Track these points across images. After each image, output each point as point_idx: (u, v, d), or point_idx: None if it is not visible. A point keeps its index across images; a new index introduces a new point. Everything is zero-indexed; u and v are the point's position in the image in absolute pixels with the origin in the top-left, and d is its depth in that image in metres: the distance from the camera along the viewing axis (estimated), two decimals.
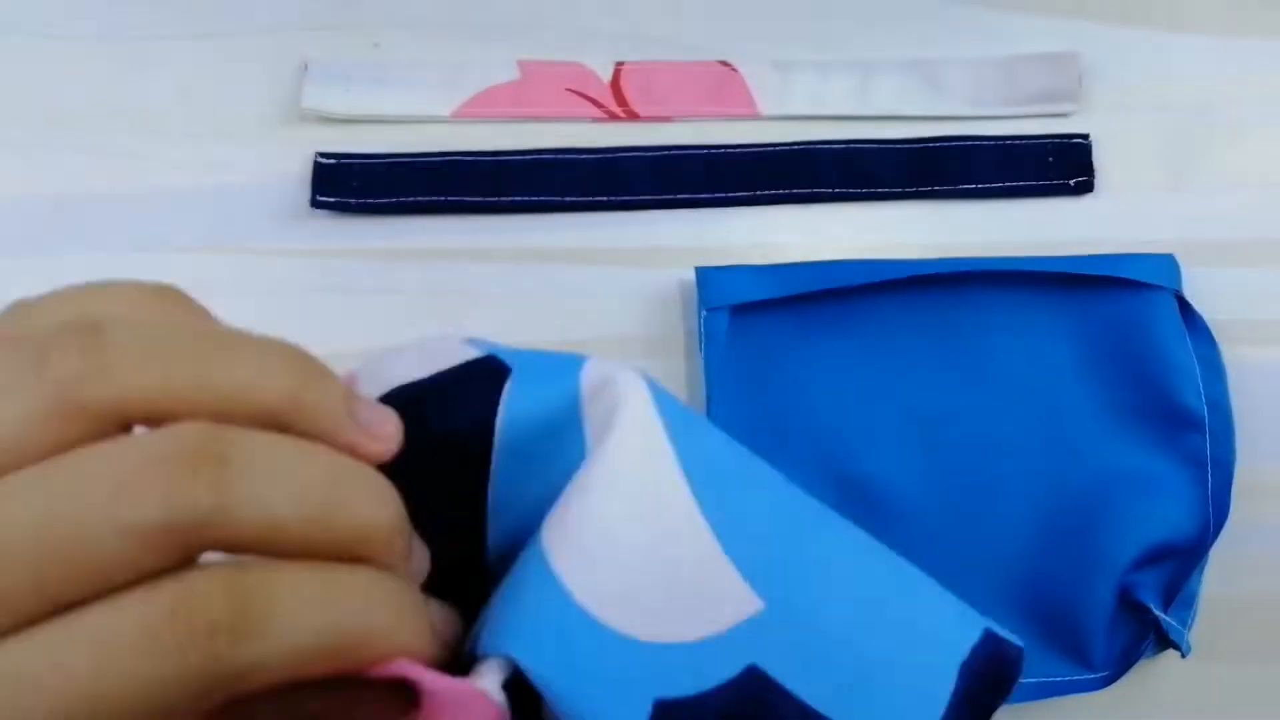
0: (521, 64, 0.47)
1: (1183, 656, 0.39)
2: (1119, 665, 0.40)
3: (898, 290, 0.43)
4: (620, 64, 0.47)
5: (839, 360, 0.43)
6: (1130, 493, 0.42)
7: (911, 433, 0.43)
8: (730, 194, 0.46)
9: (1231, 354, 0.43)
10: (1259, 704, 0.42)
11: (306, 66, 0.46)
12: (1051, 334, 0.43)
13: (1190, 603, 0.41)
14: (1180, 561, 0.41)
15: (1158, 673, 0.42)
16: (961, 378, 0.43)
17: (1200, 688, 0.42)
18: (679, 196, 0.46)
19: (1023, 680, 0.40)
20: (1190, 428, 0.42)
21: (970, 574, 0.42)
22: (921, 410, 0.43)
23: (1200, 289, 0.44)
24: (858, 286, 0.43)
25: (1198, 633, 0.41)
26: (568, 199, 0.45)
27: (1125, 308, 0.43)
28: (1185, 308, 0.43)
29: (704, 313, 0.42)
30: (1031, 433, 0.43)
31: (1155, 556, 0.41)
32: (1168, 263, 0.43)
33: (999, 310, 0.44)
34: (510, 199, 0.45)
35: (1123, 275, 0.43)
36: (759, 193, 0.46)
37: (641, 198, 0.46)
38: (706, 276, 0.43)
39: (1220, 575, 0.42)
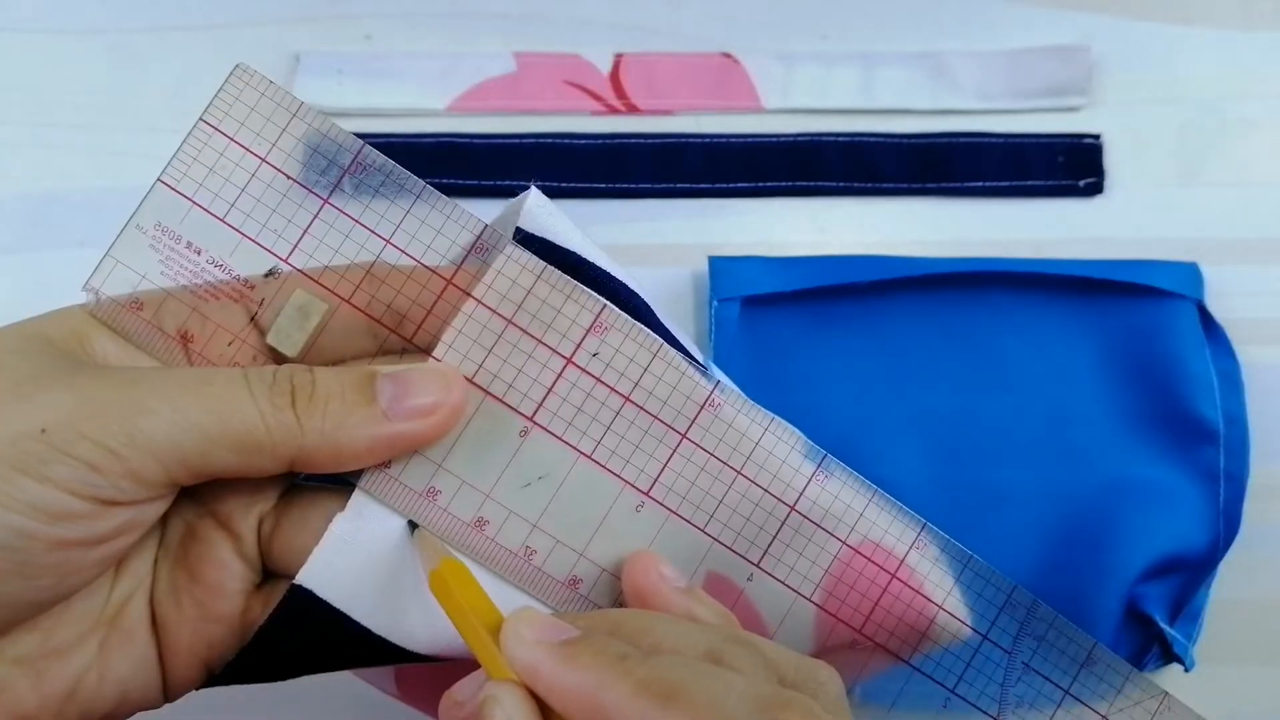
0: (518, 56, 0.46)
1: (1186, 670, 0.39)
2: None
3: (912, 289, 0.42)
4: (619, 55, 0.46)
5: (850, 357, 0.43)
6: (1141, 504, 0.41)
7: (921, 433, 0.42)
8: (733, 184, 0.45)
9: (1243, 353, 0.42)
10: (1267, 708, 0.42)
11: (299, 59, 0.45)
12: (1067, 338, 0.43)
13: (1196, 617, 0.40)
14: (1188, 575, 0.40)
15: (1164, 675, 0.41)
16: (974, 379, 0.42)
17: (1208, 691, 0.41)
18: (680, 186, 0.45)
19: None
20: (1205, 440, 0.41)
21: None
22: (932, 411, 0.42)
23: (1210, 288, 0.43)
24: (871, 283, 0.42)
25: (1206, 635, 0.41)
26: (566, 185, 0.45)
27: (1145, 315, 0.42)
28: (1206, 318, 0.42)
29: (715, 303, 0.42)
30: (1043, 438, 0.42)
31: (1163, 569, 0.40)
32: (1190, 271, 0.42)
33: (1014, 312, 0.43)
34: (508, 183, 0.44)
35: (1144, 282, 0.42)
36: (762, 184, 0.45)
37: (642, 185, 0.45)
38: (719, 266, 0.42)
39: (1230, 579, 0.41)
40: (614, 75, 0.46)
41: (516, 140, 0.45)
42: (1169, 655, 0.39)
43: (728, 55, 0.46)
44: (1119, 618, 0.40)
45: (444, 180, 0.44)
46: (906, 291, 0.42)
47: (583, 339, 0.27)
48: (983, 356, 0.43)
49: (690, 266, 0.44)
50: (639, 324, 0.28)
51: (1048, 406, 0.42)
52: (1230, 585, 0.41)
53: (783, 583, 0.28)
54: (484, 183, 0.44)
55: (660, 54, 0.46)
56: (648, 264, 0.44)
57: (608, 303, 0.28)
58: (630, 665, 0.21)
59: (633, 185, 0.45)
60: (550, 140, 0.45)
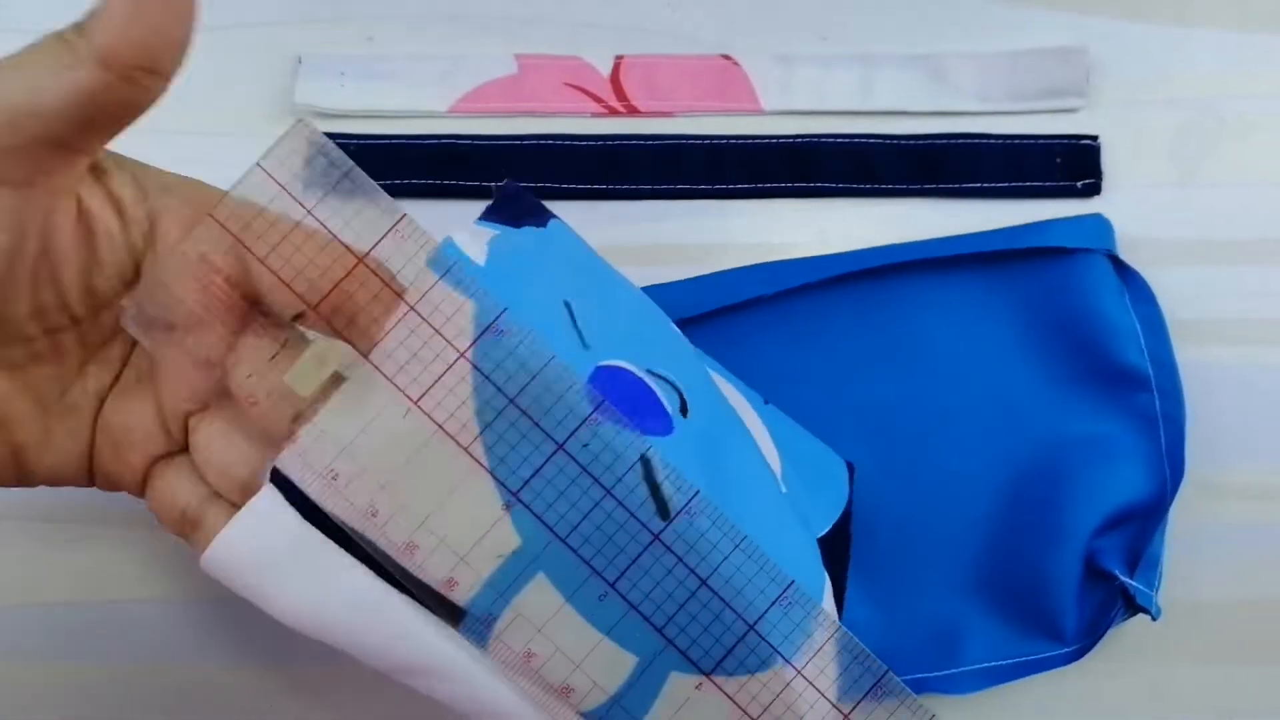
0: (519, 58, 0.46)
1: (1153, 619, 0.39)
2: (1089, 636, 0.40)
3: (829, 286, 0.43)
4: (620, 58, 0.46)
5: (780, 362, 0.43)
6: (1085, 460, 0.41)
7: (861, 426, 0.43)
8: (733, 185, 0.45)
9: (1242, 354, 0.42)
10: (1221, 705, 0.42)
11: (300, 61, 0.46)
12: (987, 311, 0.43)
13: (1155, 565, 0.41)
14: (1141, 524, 0.41)
15: (1134, 628, 0.42)
16: (905, 365, 0.43)
17: (1161, 691, 0.42)
18: (680, 187, 0.45)
19: (996, 662, 0.41)
20: (1137, 386, 0.42)
21: (934, 561, 0.42)
22: (868, 403, 0.43)
23: (1210, 288, 0.44)
24: (794, 287, 0.43)
25: (1161, 636, 0.41)
26: (566, 185, 0.45)
27: (1059, 274, 0.42)
28: (1121, 266, 0.42)
29: None
30: (980, 412, 0.42)
31: (1116, 521, 0.41)
32: (1099, 223, 0.43)
33: (933, 293, 0.43)
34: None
35: (1053, 243, 0.42)
36: (762, 185, 0.45)
37: (642, 187, 0.45)
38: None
39: (1182, 578, 0.42)
40: (614, 77, 0.46)
41: (517, 142, 0.45)
42: (1134, 607, 0.40)
43: (727, 57, 0.46)
44: (1079, 577, 0.41)
45: (445, 182, 0.45)
46: (823, 290, 0.43)
47: (478, 338, 0.28)
48: (909, 341, 0.43)
49: (691, 267, 0.44)
50: (537, 332, 0.28)
51: (980, 380, 0.43)
52: (1181, 587, 0.42)
53: (642, 617, 0.28)
54: (485, 184, 0.45)
55: (660, 56, 0.46)
56: (648, 265, 0.44)
57: (506, 307, 0.28)
58: None
59: (633, 186, 0.45)
60: (551, 142, 0.45)
